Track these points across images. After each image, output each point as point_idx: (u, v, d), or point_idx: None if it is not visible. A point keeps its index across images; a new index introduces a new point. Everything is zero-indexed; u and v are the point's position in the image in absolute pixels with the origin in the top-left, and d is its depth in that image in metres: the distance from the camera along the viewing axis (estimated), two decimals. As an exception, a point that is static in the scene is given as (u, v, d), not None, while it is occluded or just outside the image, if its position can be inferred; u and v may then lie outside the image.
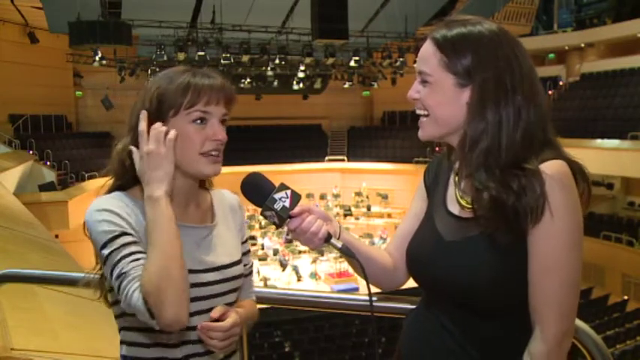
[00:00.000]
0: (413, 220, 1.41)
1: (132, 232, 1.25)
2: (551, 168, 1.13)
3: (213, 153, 1.31)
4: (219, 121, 1.32)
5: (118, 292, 1.20)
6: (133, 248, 1.22)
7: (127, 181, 1.33)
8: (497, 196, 1.14)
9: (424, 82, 1.23)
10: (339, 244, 1.28)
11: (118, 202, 1.28)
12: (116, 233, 1.22)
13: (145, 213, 1.26)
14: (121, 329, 1.35)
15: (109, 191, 1.33)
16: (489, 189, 1.14)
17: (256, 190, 1.28)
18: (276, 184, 1.29)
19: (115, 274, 1.20)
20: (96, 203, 1.27)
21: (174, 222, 1.23)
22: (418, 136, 1.28)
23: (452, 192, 1.32)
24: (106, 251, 1.21)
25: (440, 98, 1.21)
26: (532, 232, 1.14)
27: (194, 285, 1.29)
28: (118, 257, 1.20)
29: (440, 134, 1.25)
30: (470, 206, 1.23)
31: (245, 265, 1.47)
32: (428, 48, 1.23)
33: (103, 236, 1.22)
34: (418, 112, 1.26)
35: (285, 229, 1.29)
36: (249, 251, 1.51)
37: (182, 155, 1.29)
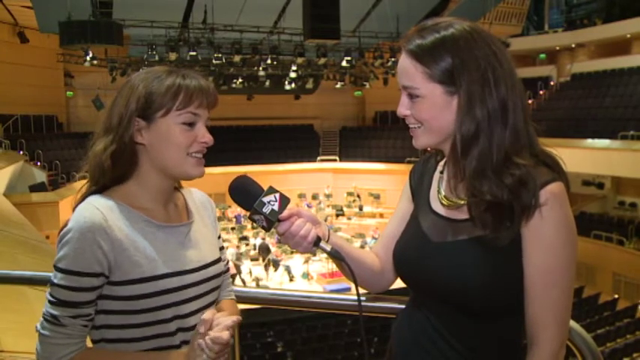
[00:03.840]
0: (399, 221, 1.41)
1: (95, 284, 1.21)
2: (550, 189, 1.13)
3: (198, 155, 1.30)
4: (204, 124, 1.31)
5: (45, 318, 1.24)
6: (80, 311, 1.22)
7: (105, 184, 1.29)
8: (493, 199, 1.14)
9: (412, 96, 1.21)
10: (327, 248, 1.27)
11: (97, 233, 1.20)
12: (71, 299, 1.21)
13: (126, 218, 1.25)
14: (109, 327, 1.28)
15: (85, 196, 1.28)
16: (484, 194, 1.15)
17: (244, 194, 1.26)
18: (266, 186, 1.28)
19: (49, 308, 1.24)
20: (78, 236, 1.20)
21: None
22: (413, 145, 1.27)
23: (435, 190, 1.33)
24: (53, 283, 1.23)
25: (433, 110, 1.20)
26: (528, 243, 1.15)
27: (186, 287, 1.29)
28: (61, 301, 1.22)
29: (435, 142, 1.25)
30: (447, 203, 1.25)
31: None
32: (406, 61, 1.21)
33: (60, 280, 1.21)
34: (410, 125, 1.25)
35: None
36: (223, 247, 1.49)
37: (169, 156, 1.28)
